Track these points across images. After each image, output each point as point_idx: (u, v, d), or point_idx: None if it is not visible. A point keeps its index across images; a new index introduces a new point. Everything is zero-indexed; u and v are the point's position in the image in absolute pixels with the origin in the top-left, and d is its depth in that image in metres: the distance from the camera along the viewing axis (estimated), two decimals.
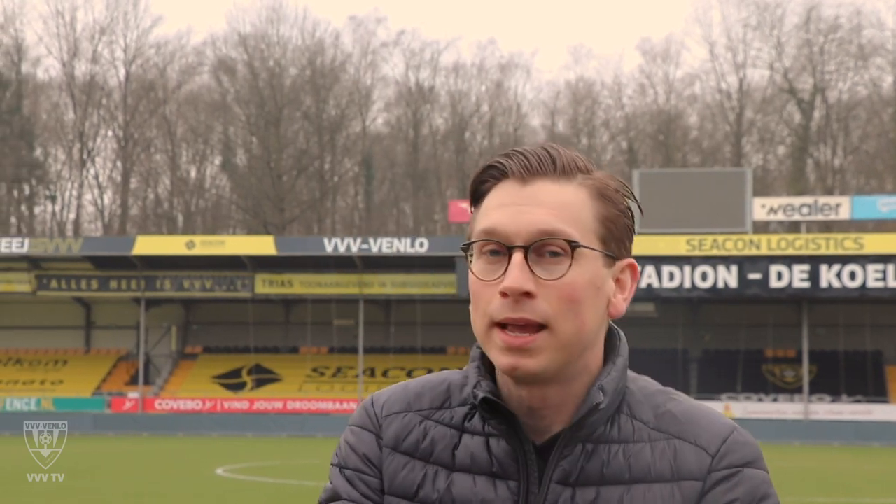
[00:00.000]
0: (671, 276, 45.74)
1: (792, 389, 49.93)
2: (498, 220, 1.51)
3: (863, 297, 46.11)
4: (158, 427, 48.20)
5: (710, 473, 1.53)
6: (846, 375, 49.56)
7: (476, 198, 1.57)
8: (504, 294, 1.49)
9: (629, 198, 1.58)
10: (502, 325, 1.50)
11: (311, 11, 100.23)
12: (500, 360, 1.50)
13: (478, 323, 1.52)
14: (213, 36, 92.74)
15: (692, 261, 45.68)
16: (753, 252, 45.62)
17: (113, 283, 51.77)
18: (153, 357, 55.79)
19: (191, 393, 51.58)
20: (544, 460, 1.54)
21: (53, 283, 51.84)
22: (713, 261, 45.56)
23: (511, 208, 1.51)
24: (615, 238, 1.54)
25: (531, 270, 1.49)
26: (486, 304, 1.51)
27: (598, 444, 1.54)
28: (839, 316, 50.28)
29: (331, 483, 1.64)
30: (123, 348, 56.62)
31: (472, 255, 1.54)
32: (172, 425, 48.34)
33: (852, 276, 44.82)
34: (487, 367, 1.59)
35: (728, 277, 45.46)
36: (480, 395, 1.55)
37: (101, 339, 57.48)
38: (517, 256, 1.49)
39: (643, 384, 1.61)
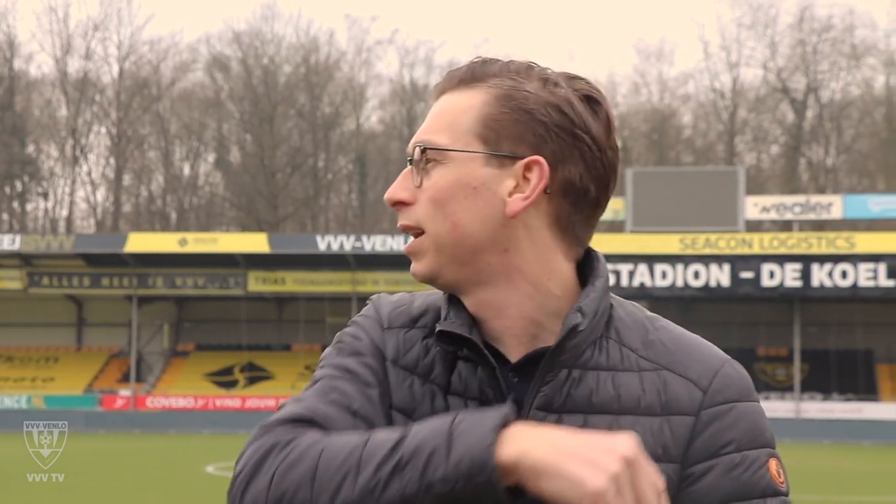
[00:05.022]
0: (664, 275, 45.82)
1: (783, 388, 50.04)
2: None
3: (854, 297, 46.24)
4: (150, 425, 48.16)
5: (702, 410, 1.50)
6: (837, 374, 49.67)
7: None
8: None
9: (565, 100, 1.52)
10: None
11: (306, 9, 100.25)
12: None
13: None
14: (206, 33, 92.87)
15: (685, 259, 45.77)
16: (746, 251, 45.72)
17: (105, 281, 51.71)
18: (145, 354, 55.73)
19: (183, 390, 51.53)
20: (523, 383, 1.52)
21: (45, 280, 51.75)
22: (706, 259, 45.65)
23: None
24: (509, 137, 1.50)
25: (412, 179, 1.54)
26: None
27: (587, 371, 1.51)
28: (831, 315, 50.40)
29: (332, 369, 1.56)
30: (115, 346, 56.54)
31: None
32: (164, 423, 48.29)
33: (844, 275, 44.93)
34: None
35: (720, 276, 45.55)
36: (439, 327, 1.54)
37: (92, 336, 57.39)
38: (406, 169, 1.56)
39: (631, 309, 1.58)
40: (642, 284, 45.86)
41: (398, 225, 1.56)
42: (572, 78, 1.56)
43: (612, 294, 1.59)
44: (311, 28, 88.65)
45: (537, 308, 1.53)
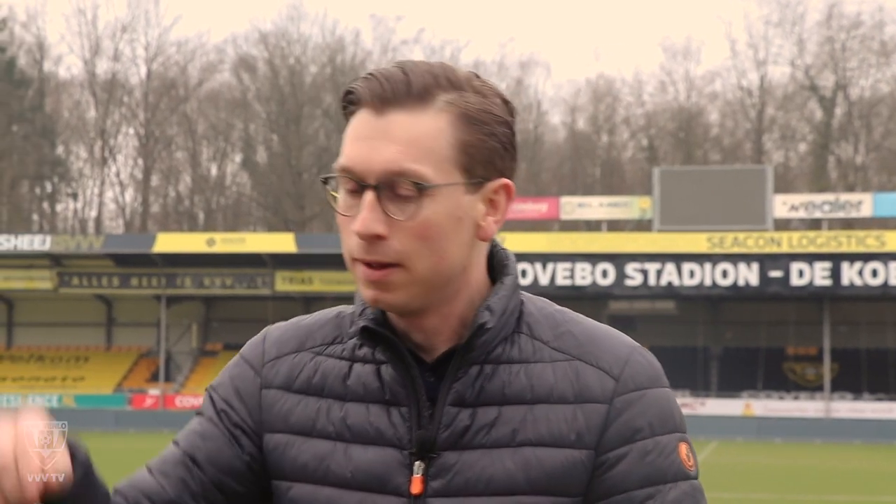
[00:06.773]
0: (692, 274, 45.65)
1: (813, 387, 49.76)
2: (352, 157, 1.48)
3: (885, 295, 45.92)
4: (179, 424, 48.20)
5: (615, 398, 1.53)
6: (868, 373, 49.36)
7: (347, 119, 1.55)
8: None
9: (502, 111, 1.53)
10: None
11: (332, 9, 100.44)
12: (364, 292, 1.52)
13: (345, 254, 1.53)
14: (233, 34, 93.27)
15: (713, 258, 45.58)
16: (774, 250, 45.49)
17: (134, 281, 51.99)
18: (174, 354, 55.99)
19: None
20: (440, 382, 1.54)
21: (75, 281, 52.08)
22: (734, 258, 45.46)
23: (365, 143, 1.48)
24: (481, 161, 1.49)
25: (384, 210, 1.46)
26: (347, 238, 1.51)
27: (499, 365, 1.54)
28: (861, 314, 50.07)
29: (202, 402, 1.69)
30: (144, 345, 56.84)
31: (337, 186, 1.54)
32: None
33: (874, 273, 44.64)
34: None
35: (749, 275, 45.34)
36: (361, 323, 1.55)
37: (122, 336, 57.71)
38: (369, 197, 1.46)
39: (541, 304, 1.61)
40: (670, 283, 45.71)
41: (368, 259, 1.48)
42: (486, 82, 1.56)
43: (522, 291, 1.61)
44: (336, 28, 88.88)
45: (468, 307, 1.56)
